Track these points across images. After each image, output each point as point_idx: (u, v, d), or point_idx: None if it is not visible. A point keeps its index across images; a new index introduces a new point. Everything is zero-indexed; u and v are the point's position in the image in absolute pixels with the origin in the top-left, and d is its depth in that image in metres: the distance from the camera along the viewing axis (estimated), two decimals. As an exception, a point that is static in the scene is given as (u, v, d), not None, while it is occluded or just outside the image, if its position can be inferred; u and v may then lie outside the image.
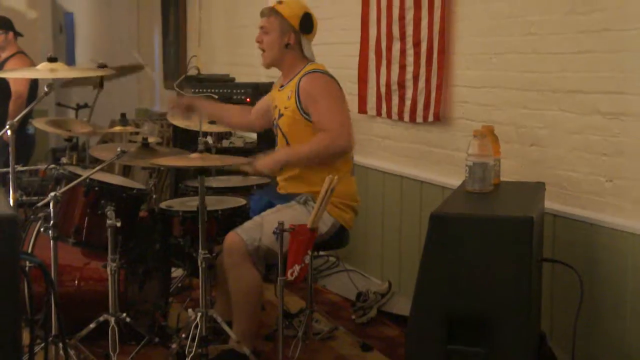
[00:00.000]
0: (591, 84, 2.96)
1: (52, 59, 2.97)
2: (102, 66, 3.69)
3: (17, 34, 5.66)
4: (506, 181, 3.05)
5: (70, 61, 8.71)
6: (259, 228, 3.09)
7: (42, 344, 2.83)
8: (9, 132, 2.91)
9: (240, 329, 3.11)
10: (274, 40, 3.29)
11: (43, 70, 2.96)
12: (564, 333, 2.95)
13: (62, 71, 2.98)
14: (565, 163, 3.10)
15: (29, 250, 3.30)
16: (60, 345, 2.88)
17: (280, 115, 3.30)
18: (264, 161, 3.20)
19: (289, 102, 3.24)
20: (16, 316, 1.28)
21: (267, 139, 4.62)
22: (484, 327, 2.40)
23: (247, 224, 3.12)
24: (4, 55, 5.59)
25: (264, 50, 3.34)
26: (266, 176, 3.49)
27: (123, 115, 3.64)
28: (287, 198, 3.26)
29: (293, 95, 3.23)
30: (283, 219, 2.93)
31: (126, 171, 5.40)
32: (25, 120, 5.18)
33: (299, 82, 3.22)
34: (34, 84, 5.54)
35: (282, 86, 3.37)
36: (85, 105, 5.62)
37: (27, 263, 1.91)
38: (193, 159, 2.92)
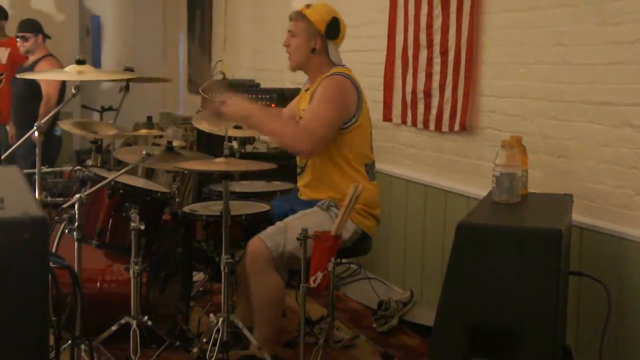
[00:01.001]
0: (622, 96, 2.92)
1: (80, 62, 2.99)
2: (129, 69, 3.71)
3: (45, 37, 5.71)
4: (533, 192, 3.01)
5: (97, 64, 8.78)
6: (283, 234, 3.08)
7: (65, 345, 2.85)
8: (36, 134, 2.92)
9: (261, 335, 3.10)
10: (300, 45, 3.29)
11: (71, 73, 2.98)
12: (590, 347, 2.90)
13: (89, 73, 3.00)
14: (593, 175, 3.06)
15: (54, 252, 3.32)
16: (83, 347, 2.88)
17: (301, 118, 3.31)
18: (233, 107, 3.17)
19: (308, 105, 3.25)
20: (45, 318, 1.28)
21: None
22: (508, 339, 2.37)
23: (271, 230, 3.11)
24: (33, 57, 5.64)
25: (290, 54, 3.34)
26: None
27: (149, 118, 3.64)
28: (308, 204, 3.25)
29: (311, 99, 3.24)
30: (306, 225, 2.92)
31: (149, 174, 5.42)
32: (53, 122, 5.22)
33: (319, 85, 3.23)
34: (63, 86, 5.58)
35: (307, 89, 3.37)
36: (110, 108, 5.67)
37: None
38: (218, 164, 2.92)
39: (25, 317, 1.25)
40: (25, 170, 3.61)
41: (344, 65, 3.33)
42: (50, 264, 1.51)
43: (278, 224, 3.15)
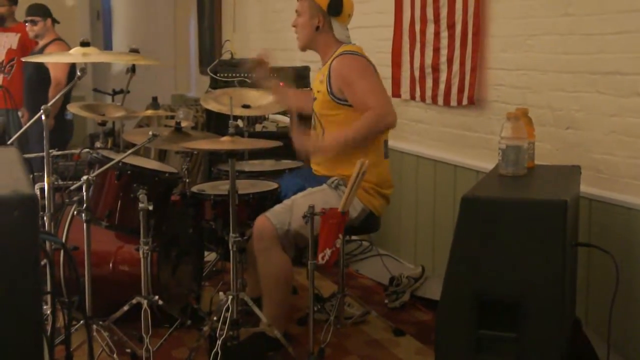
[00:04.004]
0: (630, 65, 2.89)
1: (84, 44, 2.99)
2: (135, 51, 3.72)
3: (54, 21, 5.71)
4: (541, 164, 2.99)
5: (108, 47, 8.78)
6: (289, 212, 3.09)
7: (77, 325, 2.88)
8: (43, 117, 2.93)
9: (270, 313, 3.11)
10: (304, 24, 3.30)
11: (76, 55, 2.98)
12: (600, 319, 2.89)
13: (94, 55, 3.00)
14: (602, 146, 3.03)
15: (65, 234, 3.34)
16: (95, 327, 2.92)
17: (314, 99, 3.31)
18: (309, 148, 3.25)
19: (321, 86, 3.25)
20: (36, 295, 1.29)
21: (307, 118, 4.60)
22: (515, 312, 2.36)
23: (277, 208, 3.12)
24: (42, 42, 5.65)
25: (298, 34, 3.35)
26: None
27: (154, 99, 3.65)
28: (319, 180, 3.25)
29: (325, 79, 3.23)
30: (313, 203, 2.92)
31: (162, 156, 5.44)
32: (63, 107, 5.24)
33: (331, 64, 3.22)
34: (72, 70, 5.59)
35: (319, 69, 3.37)
36: (121, 91, 5.66)
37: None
38: (224, 142, 2.92)
39: (16, 296, 1.26)
40: (36, 154, 3.65)
41: (353, 43, 3.33)
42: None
43: (285, 201, 3.16)
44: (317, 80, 3.34)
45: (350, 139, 3.15)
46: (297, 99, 3.68)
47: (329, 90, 3.20)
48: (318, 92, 3.28)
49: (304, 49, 3.40)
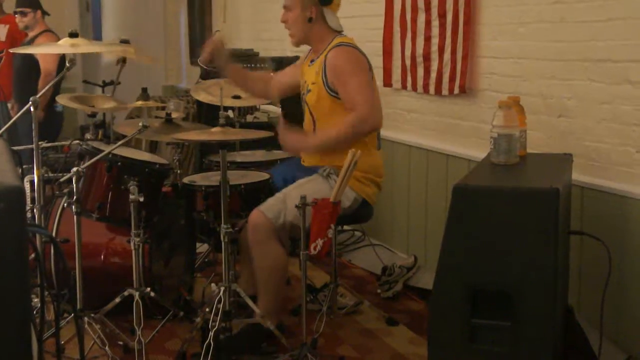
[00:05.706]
0: (621, 52, 2.88)
1: (73, 35, 2.96)
2: (124, 42, 3.68)
3: (44, 13, 5.67)
4: (533, 153, 2.99)
5: (97, 39, 8.73)
6: (282, 204, 3.08)
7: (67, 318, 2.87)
8: (32, 109, 2.90)
9: (265, 305, 3.10)
10: (296, 17, 3.26)
11: (64, 46, 2.96)
12: (592, 307, 2.90)
13: (83, 46, 2.97)
14: (593, 134, 3.03)
15: (55, 226, 3.33)
16: (86, 319, 2.91)
17: (308, 91, 3.28)
18: (294, 145, 3.21)
19: (317, 78, 3.22)
20: (24, 288, 1.28)
21: (291, 114, 4.59)
22: (508, 301, 2.36)
23: (270, 201, 3.11)
24: (32, 33, 5.61)
25: (290, 29, 3.30)
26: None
27: (144, 90, 3.63)
28: (310, 170, 3.24)
29: (320, 71, 3.20)
30: (305, 193, 2.91)
31: (153, 147, 5.42)
32: (52, 99, 5.21)
33: (326, 56, 3.19)
34: (62, 62, 5.55)
35: (312, 61, 3.33)
36: (111, 83, 5.63)
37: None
38: (214, 133, 2.90)
39: (3, 289, 1.25)
40: (26, 146, 3.63)
41: (345, 34, 3.30)
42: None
43: (277, 195, 3.15)
44: (313, 72, 3.27)
45: (334, 139, 3.15)
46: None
47: (324, 82, 3.18)
48: (313, 84, 3.24)
49: (298, 44, 3.35)
